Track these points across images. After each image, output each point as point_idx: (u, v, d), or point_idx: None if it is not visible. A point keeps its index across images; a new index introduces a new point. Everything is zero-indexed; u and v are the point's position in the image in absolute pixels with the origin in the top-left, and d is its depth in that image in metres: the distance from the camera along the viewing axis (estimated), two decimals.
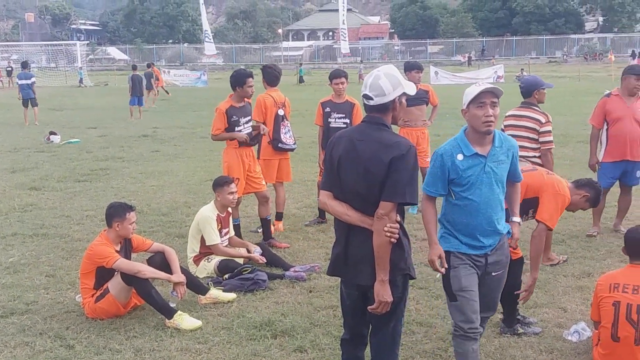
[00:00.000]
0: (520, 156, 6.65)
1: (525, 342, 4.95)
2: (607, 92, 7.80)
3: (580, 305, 5.63)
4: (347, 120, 8.14)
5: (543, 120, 6.65)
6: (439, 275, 4.14)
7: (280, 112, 7.85)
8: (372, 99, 3.59)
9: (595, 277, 6.27)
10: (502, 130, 6.91)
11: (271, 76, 7.95)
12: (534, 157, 6.66)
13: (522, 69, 43.47)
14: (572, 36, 77.28)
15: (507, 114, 6.96)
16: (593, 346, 4.64)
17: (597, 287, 4.59)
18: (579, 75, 41.63)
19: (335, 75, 8.41)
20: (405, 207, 3.78)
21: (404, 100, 3.65)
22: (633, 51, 50.29)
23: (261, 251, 6.81)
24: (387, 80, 3.58)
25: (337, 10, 43.43)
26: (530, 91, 6.77)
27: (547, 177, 5.01)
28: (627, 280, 4.40)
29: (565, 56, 70.45)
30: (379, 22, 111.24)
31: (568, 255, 7.02)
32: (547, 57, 71.41)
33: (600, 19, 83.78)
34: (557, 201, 4.85)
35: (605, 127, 7.55)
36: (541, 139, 6.67)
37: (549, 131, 6.68)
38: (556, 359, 4.74)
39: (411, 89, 3.68)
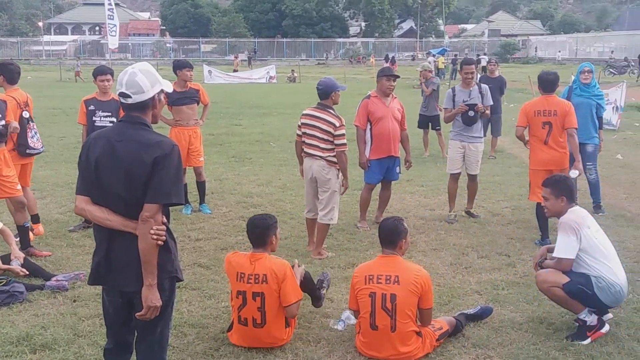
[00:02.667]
0: (316, 155, 6.99)
1: (295, 335, 5.08)
2: (369, 93, 8.29)
3: (345, 295, 5.88)
4: (114, 119, 7.76)
5: (337, 124, 6.89)
6: None
7: (25, 114, 7.26)
8: (130, 97, 3.43)
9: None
10: (300, 127, 7.11)
11: (13, 73, 7.30)
12: (329, 156, 6.95)
13: (292, 70, 44.98)
14: (338, 40, 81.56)
15: (304, 113, 7.14)
16: (355, 334, 4.90)
17: (354, 279, 4.86)
18: (345, 77, 43.96)
19: (100, 72, 8.01)
20: (178, 208, 3.67)
21: (162, 98, 3.55)
22: (387, 55, 54.37)
23: (21, 262, 6.25)
24: (145, 77, 3.45)
25: (103, 4, 41.30)
26: (328, 93, 7.00)
27: None
28: (380, 271, 4.69)
29: (326, 57, 74.08)
30: (149, 18, 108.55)
31: (336, 247, 7.37)
32: (315, 59, 74.70)
33: (363, 24, 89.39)
34: None
35: (369, 127, 8.00)
36: (336, 142, 6.90)
37: (343, 134, 6.93)
38: (323, 347, 4.92)
39: (168, 86, 3.59)
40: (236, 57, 58.62)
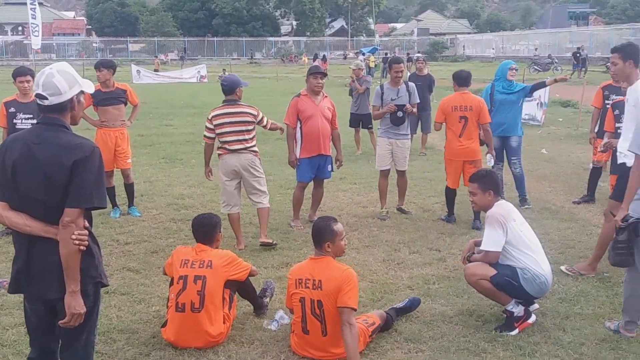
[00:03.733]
0: (240, 150, 7.10)
1: (228, 337, 5.01)
2: (300, 91, 8.26)
3: (279, 295, 5.88)
4: (35, 121, 7.51)
5: (255, 112, 7.22)
6: None
7: None
8: (46, 98, 3.31)
9: (292, 266, 6.61)
10: (211, 129, 7.16)
11: None
12: (253, 146, 7.26)
13: (224, 69, 44.56)
14: (270, 39, 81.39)
15: (214, 114, 7.15)
16: (290, 333, 4.88)
17: (288, 281, 4.84)
18: (277, 76, 44.02)
19: (19, 73, 7.78)
20: (106, 211, 3.57)
21: (82, 99, 3.45)
22: (316, 54, 54.64)
23: None
24: (62, 78, 3.33)
25: (25, 4, 39.98)
26: (233, 88, 7.21)
27: None
28: (307, 275, 4.63)
29: (252, 56, 73.74)
30: (75, 17, 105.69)
31: (269, 247, 7.33)
32: (247, 58, 74.30)
33: (294, 23, 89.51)
34: None
35: (299, 125, 7.99)
36: (262, 124, 7.31)
37: (263, 117, 7.30)
38: (256, 348, 4.88)
39: (89, 87, 3.48)
40: (156, 57, 57.53)
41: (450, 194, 8.49)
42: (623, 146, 5.86)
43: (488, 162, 8.30)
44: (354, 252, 7.16)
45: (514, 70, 9.03)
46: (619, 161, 6.19)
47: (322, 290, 4.52)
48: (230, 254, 5.15)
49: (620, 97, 7.20)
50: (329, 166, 8.31)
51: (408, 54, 50.69)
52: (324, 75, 8.13)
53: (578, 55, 40.52)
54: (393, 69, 8.57)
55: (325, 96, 8.16)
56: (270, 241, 7.32)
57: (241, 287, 5.22)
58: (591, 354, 4.70)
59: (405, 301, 5.50)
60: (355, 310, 4.55)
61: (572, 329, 5.12)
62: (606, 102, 8.91)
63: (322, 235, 4.67)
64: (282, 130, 7.91)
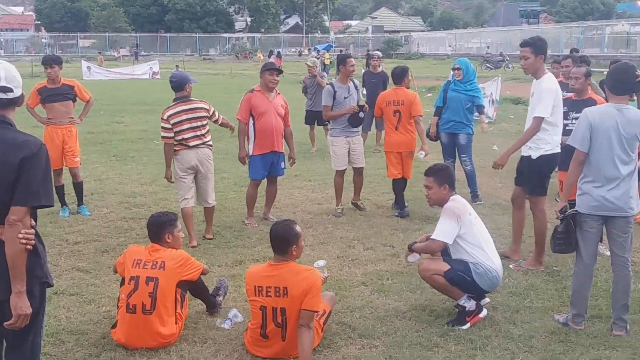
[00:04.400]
0: (198, 145, 7.12)
1: (180, 336, 4.95)
2: (253, 87, 8.18)
3: (233, 294, 5.84)
4: None
5: (208, 107, 7.32)
6: None
7: None
8: (11, 90, 3.30)
9: (246, 264, 6.60)
10: (168, 129, 7.11)
11: None
12: (209, 140, 7.36)
13: (177, 66, 43.91)
14: (224, 35, 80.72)
15: (170, 113, 7.08)
16: (244, 331, 4.85)
17: (246, 285, 4.74)
18: (232, 73, 43.70)
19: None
20: (54, 210, 3.50)
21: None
22: (271, 50, 54.45)
23: None
24: (16, 72, 3.34)
25: None
26: (182, 85, 7.22)
27: None
28: (269, 282, 4.54)
29: (199, 53, 72.87)
30: (23, 12, 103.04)
31: (223, 245, 7.28)
32: (200, 54, 73.59)
33: (249, 19, 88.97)
34: None
35: (251, 121, 7.93)
36: (214, 118, 7.43)
37: (214, 111, 7.42)
38: (209, 347, 4.84)
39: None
40: (100, 54, 56.21)
41: (397, 186, 8.74)
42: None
43: (420, 156, 8.73)
44: (308, 249, 7.15)
45: (456, 71, 9.18)
46: (523, 154, 6.59)
47: (288, 297, 4.46)
48: (184, 255, 5.07)
49: (567, 94, 7.37)
50: (282, 163, 8.27)
51: (367, 51, 50.89)
52: (280, 71, 8.10)
53: None
54: (348, 64, 8.54)
55: (278, 93, 8.12)
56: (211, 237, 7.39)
57: (193, 287, 5.15)
58: (540, 347, 4.80)
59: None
60: (317, 313, 4.56)
61: (522, 322, 5.21)
62: None
63: (288, 239, 4.58)
64: (233, 128, 7.85)
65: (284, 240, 4.59)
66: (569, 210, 4.94)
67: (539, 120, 6.24)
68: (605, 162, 4.84)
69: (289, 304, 4.47)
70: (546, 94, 6.22)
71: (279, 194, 8.81)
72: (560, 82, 9.36)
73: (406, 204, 8.69)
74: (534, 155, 6.39)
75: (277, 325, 4.54)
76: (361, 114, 8.43)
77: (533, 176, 6.51)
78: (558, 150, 6.43)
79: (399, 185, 8.70)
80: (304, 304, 4.43)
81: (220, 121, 7.52)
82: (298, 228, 4.67)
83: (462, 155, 9.20)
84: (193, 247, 7.13)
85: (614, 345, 4.81)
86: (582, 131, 4.92)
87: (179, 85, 7.19)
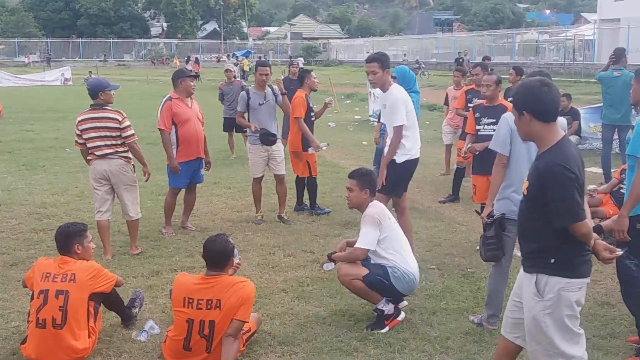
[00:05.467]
0: (109, 155, 6.83)
1: (94, 350, 4.79)
2: (169, 94, 7.99)
3: (150, 305, 5.70)
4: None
5: (120, 118, 6.89)
6: None
7: None
8: None
9: (163, 274, 6.46)
10: (79, 135, 6.91)
11: None
12: (124, 151, 6.96)
13: (90, 72, 42.81)
14: (139, 40, 79.13)
15: (79, 119, 6.91)
16: (162, 343, 4.73)
17: (173, 294, 4.64)
18: (147, 79, 42.88)
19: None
20: None
21: None
22: (188, 56, 53.93)
23: None
24: None
25: None
26: (96, 92, 6.92)
27: None
28: (201, 294, 4.48)
29: (104, 58, 71.09)
30: None
31: (139, 255, 7.10)
32: (115, 60, 71.84)
33: (165, 24, 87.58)
34: None
35: (173, 129, 7.75)
36: (124, 134, 6.89)
37: (129, 125, 6.94)
38: None
39: None
40: None
41: (300, 184, 9.23)
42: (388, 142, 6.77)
43: (310, 151, 8.84)
44: None
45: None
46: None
47: (221, 310, 4.41)
48: (96, 266, 4.90)
49: (480, 101, 7.60)
50: (202, 170, 8.16)
51: (290, 57, 50.97)
52: (197, 76, 7.99)
53: (461, 60, 42.28)
54: (259, 72, 8.48)
55: (193, 99, 8.00)
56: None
57: (107, 299, 4.99)
58: (456, 347, 4.90)
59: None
60: (247, 323, 4.56)
61: (438, 323, 5.32)
62: (469, 105, 9.36)
63: (227, 255, 4.62)
64: (146, 174, 7.29)
65: (223, 255, 4.60)
66: (496, 215, 4.99)
67: (399, 129, 6.58)
68: (525, 166, 4.98)
69: (220, 317, 4.42)
70: (397, 103, 6.56)
71: (198, 201, 8.68)
72: (472, 90, 9.72)
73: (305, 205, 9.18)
74: (399, 159, 6.63)
75: (203, 338, 4.46)
76: (272, 137, 8.39)
77: (398, 178, 6.72)
78: (418, 155, 6.79)
79: (300, 182, 9.25)
80: (237, 314, 4.42)
81: (129, 141, 6.91)
82: (232, 241, 4.71)
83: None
84: (107, 259, 6.91)
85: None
86: (503, 135, 5.08)
87: (92, 92, 6.94)
